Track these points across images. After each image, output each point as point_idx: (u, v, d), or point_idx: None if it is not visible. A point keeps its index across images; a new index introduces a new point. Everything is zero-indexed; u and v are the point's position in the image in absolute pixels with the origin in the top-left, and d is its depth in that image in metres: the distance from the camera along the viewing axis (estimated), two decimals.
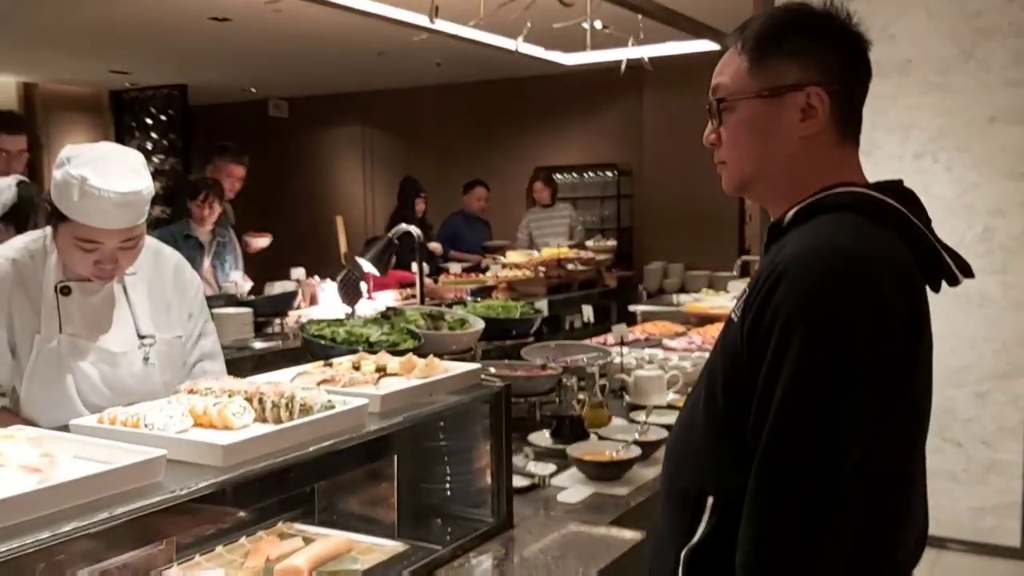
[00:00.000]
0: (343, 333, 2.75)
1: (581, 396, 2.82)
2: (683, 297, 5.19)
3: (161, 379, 2.25)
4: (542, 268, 6.74)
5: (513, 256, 6.99)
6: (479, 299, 4.26)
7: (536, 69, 8.34)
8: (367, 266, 5.17)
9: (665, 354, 3.73)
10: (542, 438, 2.73)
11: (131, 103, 11.65)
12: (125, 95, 11.61)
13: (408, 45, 7.95)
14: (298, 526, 2.08)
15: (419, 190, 7.64)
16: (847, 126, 1.38)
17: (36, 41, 8.40)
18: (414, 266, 6.70)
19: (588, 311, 4.13)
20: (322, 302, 5.86)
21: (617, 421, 2.89)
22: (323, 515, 2.13)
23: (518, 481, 2.37)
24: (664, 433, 2.60)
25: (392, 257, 5.38)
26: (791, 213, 1.36)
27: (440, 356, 3.08)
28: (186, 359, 2.42)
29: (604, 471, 2.40)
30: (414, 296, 4.89)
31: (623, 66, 5.88)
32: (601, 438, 2.67)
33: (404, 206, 7.53)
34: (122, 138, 11.70)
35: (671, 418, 2.81)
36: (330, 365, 2.09)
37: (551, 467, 2.50)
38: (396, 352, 2.76)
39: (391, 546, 1.95)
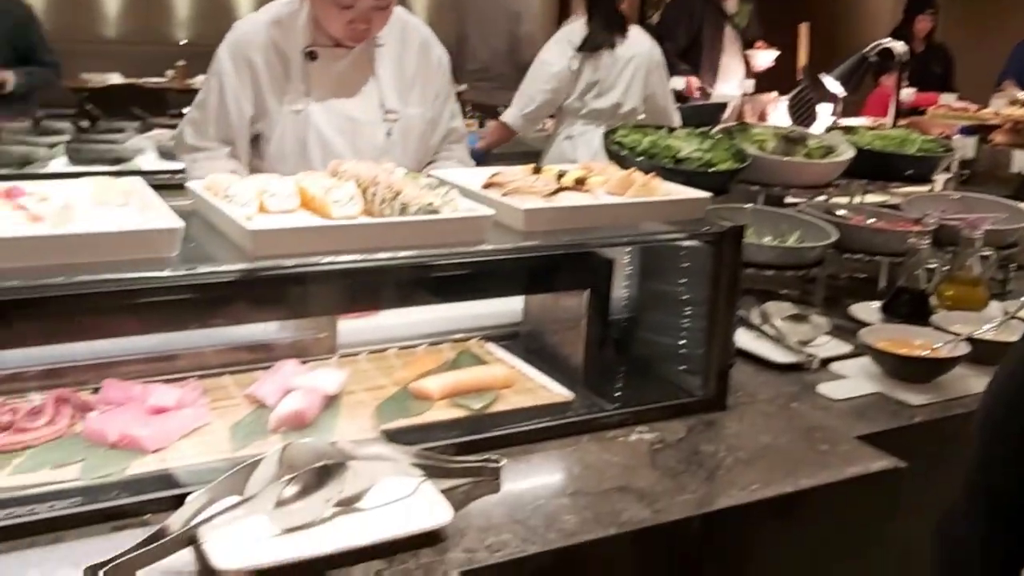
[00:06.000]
0: (646, 143, 2.33)
1: (934, 264, 2.08)
2: None
3: (403, 156, 2.13)
4: None
5: None
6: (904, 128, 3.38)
7: None
8: (831, 84, 4.52)
9: None
10: (868, 311, 2.09)
11: None
12: None
13: None
14: (490, 347, 1.84)
15: (928, 4, 6.34)
16: None
17: None
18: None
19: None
20: (772, 121, 5.32)
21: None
22: (526, 340, 1.86)
23: (776, 355, 1.84)
24: None
25: (863, 77, 4.60)
26: None
27: (787, 188, 2.55)
28: (429, 140, 2.31)
29: (902, 368, 1.74)
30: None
31: None
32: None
33: (905, 22, 6.36)
34: None
35: None
36: (539, 171, 1.73)
37: (843, 348, 1.89)
38: (706, 174, 2.30)
39: (556, 393, 1.62)
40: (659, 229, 1.54)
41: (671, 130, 2.48)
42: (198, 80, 6.52)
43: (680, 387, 1.66)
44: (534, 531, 1.20)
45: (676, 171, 2.24)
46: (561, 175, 1.67)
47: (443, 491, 1.26)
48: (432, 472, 1.28)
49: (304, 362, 1.65)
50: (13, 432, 1.33)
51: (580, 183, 1.61)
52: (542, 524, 1.22)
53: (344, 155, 2.09)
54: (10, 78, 4.45)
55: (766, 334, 1.90)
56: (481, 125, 4.82)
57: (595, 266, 1.63)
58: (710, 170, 2.28)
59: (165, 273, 1.15)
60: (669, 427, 1.54)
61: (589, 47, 3.78)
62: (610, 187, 1.65)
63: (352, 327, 1.79)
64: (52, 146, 3.63)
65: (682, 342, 1.76)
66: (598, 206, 1.53)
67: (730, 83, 5.40)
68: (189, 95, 6.17)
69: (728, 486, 1.35)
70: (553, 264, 1.57)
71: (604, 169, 1.72)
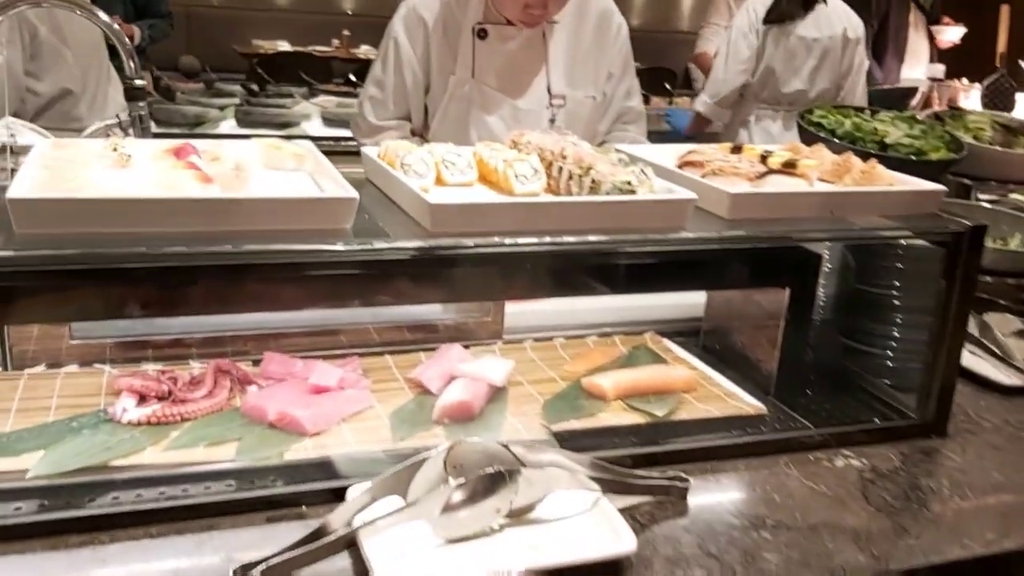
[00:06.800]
0: (848, 125, 2.10)
1: None
2: None
3: None
4: None
5: None
6: None
7: None
8: None
9: None
10: None
11: None
12: None
13: None
14: (667, 343, 1.68)
15: None
16: None
17: None
18: None
19: None
20: None
21: None
22: (707, 339, 1.69)
23: (1001, 376, 1.60)
24: None
25: None
26: None
27: (1001, 182, 2.26)
28: (599, 123, 2.17)
29: None
30: None
31: None
32: None
33: None
34: None
35: None
36: (739, 150, 1.54)
37: None
38: (917, 163, 2.05)
39: (747, 403, 1.44)
40: (884, 224, 1.33)
41: (874, 112, 2.23)
42: (363, 50, 6.59)
43: (889, 406, 1.46)
44: (731, 569, 1.04)
45: (882, 158, 2.01)
46: (766, 156, 1.49)
47: (622, 509, 1.11)
48: (611, 487, 1.14)
49: (467, 346, 1.54)
50: (172, 403, 1.27)
51: (790, 166, 1.41)
52: (739, 561, 1.06)
53: (504, 140, 1.98)
54: (137, 32, 4.66)
55: (988, 350, 1.66)
56: (647, 102, 4.61)
57: (800, 261, 1.44)
58: (921, 159, 2.03)
59: (339, 247, 1.04)
60: (878, 453, 1.33)
61: (775, 18, 3.47)
62: (824, 172, 1.45)
63: (516, 311, 1.67)
64: (223, 108, 3.68)
65: (891, 354, 1.55)
66: (816, 194, 1.33)
67: (916, 68, 4.99)
68: (354, 64, 6.22)
69: (958, 533, 1.14)
70: (754, 257, 1.39)
71: (816, 151, 1.52)
